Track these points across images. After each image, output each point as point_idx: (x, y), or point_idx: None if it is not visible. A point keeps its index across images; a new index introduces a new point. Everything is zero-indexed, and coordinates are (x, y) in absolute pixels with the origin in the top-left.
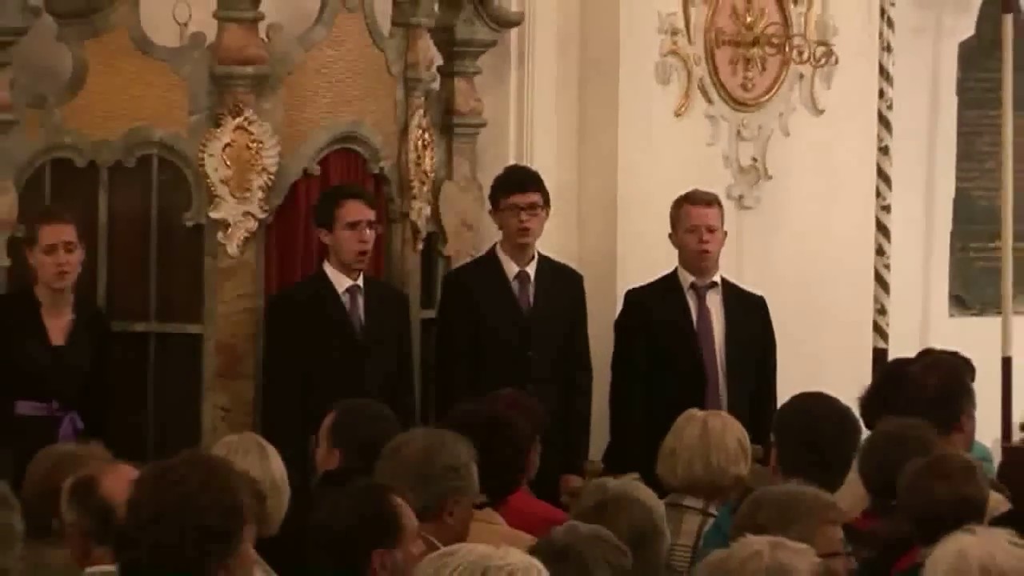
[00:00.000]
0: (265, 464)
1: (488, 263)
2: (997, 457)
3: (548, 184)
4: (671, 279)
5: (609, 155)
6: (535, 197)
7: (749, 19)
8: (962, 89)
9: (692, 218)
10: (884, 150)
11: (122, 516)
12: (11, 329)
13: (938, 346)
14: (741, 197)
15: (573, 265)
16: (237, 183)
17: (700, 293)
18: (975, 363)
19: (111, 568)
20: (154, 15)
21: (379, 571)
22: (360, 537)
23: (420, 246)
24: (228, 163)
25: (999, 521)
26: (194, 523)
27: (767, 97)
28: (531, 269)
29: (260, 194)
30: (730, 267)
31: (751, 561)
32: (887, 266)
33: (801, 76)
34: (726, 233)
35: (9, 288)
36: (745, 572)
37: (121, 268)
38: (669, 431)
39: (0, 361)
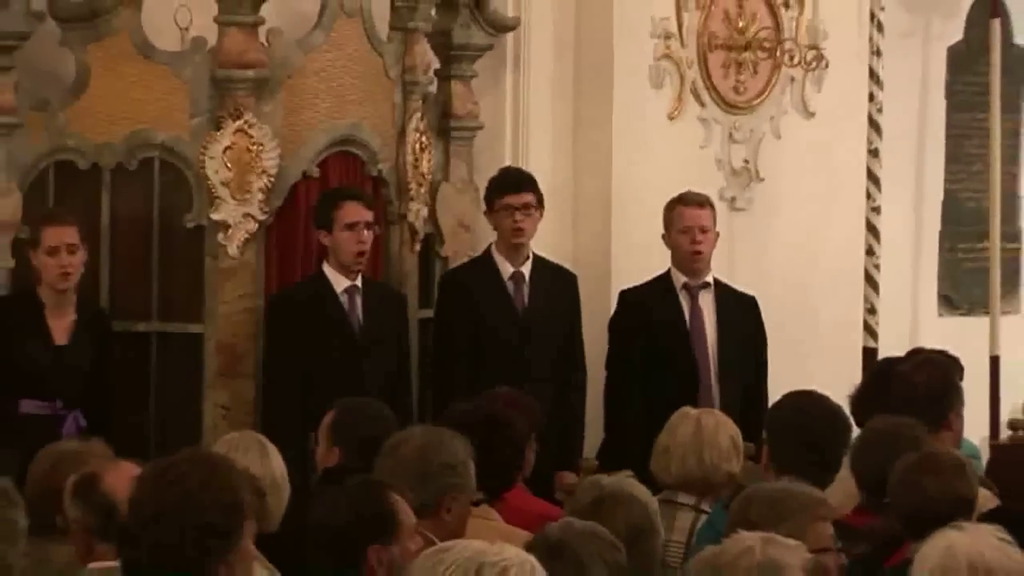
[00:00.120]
0: (265, 461)
1: (484, 263)
2: (985, 455)
3: (543, 186)
4: (664, 279)
5: (603, 157)
6: (529, 198)
7: (741, 24)
8: (950, 93)
9: (685, 219)
10: (874, 152)
11: (124, 513)
12: (14, 329)
13: (927, 345)
14: (733, 199)
15: (568, 265)
16: (237, 185)
17: (693, 293)
18: (963, 362)
19: (114, 564)
20: (156, 20)
21: (375, 566)
22: (356, 533)
23: (417, 247)
24: (229, 165)
25: (987, 517)
26: (195, 521)
27: (759, 100)
28: (526, 269)
29: (260, 196)
30: (722, 267)
31: (743, 557)
32: (877, 266)
33: (792, 80)
34: (718, 234)
35: (13, 289)
36: (737, 567)
37: (123, 268)
38: (663, 429)
39: (4, 361)
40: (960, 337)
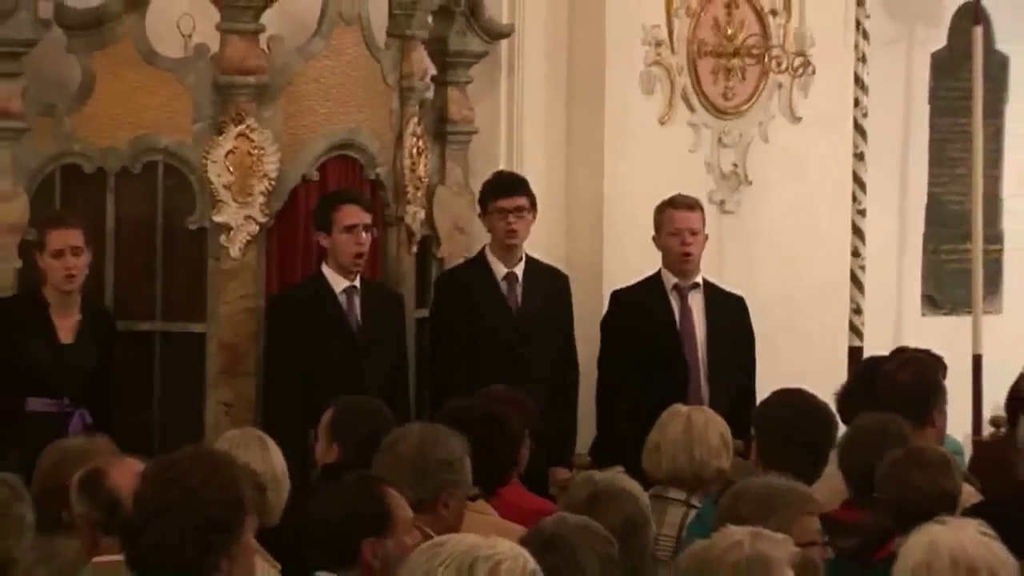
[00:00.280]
0: (266, 457)
1: (478, 264)
2: (968, 451)
3: (537, 189)
4: (655, 280)
5: (596, 161)
6: (522, 201)
7: (730, 31)
8: (934, 98)
9: (675, 222)
10: (859, 156)
11: (129, 508)
12: (20, 329)
13: (911, 344)
14: (722, 202)
15: (561, 266)
16: (239, 188)
17: (683, 293)
18: (946, 361)
19: (119, 558)
20: (159, 27)
21: (371, 560)
22: (352, 527)
23: (414, 248)
24: (230, 169)
25: (970, 512)
26: (197, 517)
27: (747, 106)
28: (519, 270)
29: (261, 199)
30: (711, 269)
31: (732, 550)
32: (862, 267)
33: (780, 85)
34: (707, 236)
35: (20, 289)
36: (726, 561)
37: (127, 270)
38: (654, 426)
39: (10, 360)
40: (943, 336)
